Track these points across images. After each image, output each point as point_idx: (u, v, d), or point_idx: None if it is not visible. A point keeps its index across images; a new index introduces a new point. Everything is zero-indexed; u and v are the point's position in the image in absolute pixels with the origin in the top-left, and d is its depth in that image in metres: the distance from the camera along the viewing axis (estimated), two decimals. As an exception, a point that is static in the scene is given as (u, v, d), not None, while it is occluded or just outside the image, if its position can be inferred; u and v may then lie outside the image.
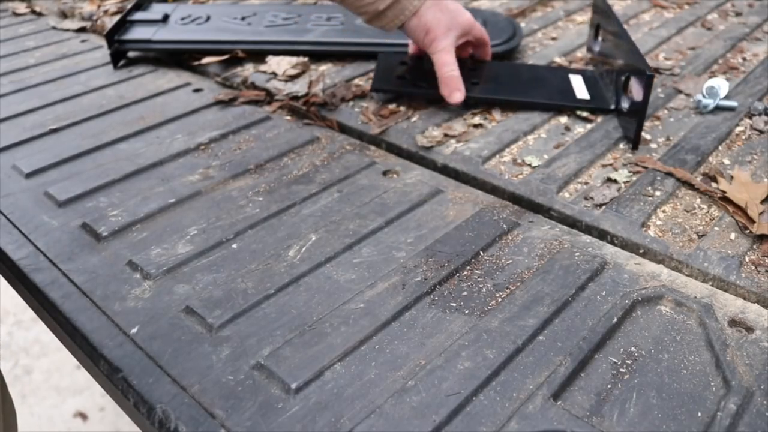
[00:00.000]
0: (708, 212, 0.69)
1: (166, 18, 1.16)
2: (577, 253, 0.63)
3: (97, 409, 1.55)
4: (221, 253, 0.64)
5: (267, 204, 0.72)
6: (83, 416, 1.53)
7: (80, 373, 1.63)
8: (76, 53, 1.18)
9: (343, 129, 0.90)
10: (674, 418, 0.47)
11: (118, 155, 0.83)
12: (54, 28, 1.32)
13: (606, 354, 0.53)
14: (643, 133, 0.85)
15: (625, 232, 0.66)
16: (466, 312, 0.56)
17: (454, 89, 0.87)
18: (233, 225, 0.68)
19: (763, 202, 0.69)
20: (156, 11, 1.18)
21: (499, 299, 0.58)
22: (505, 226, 0.67)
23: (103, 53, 1.17)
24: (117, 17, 1.23)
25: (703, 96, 0.90)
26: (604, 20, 0.97)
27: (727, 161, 0.79)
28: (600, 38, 1.00)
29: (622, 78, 0.84)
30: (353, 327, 0.55)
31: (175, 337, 0.54)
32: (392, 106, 0.94)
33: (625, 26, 1.23)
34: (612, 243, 0.66)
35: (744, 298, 0.58)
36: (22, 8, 1.44)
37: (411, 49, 1.01)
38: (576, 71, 0.98)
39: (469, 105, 0.92)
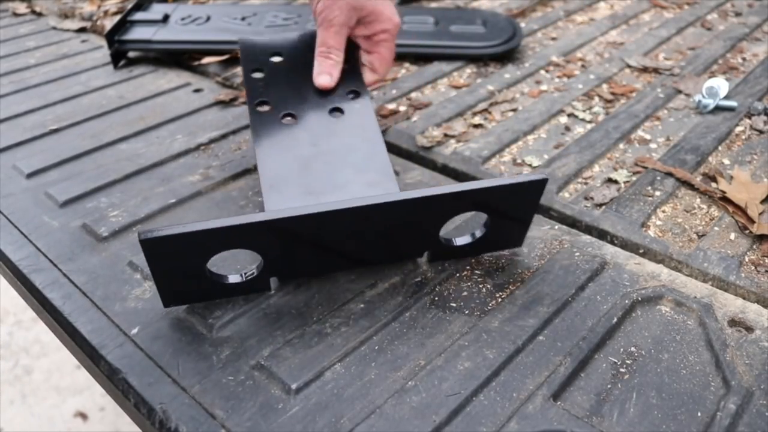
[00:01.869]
0: (708, 212, 0.69)
1: (166, 18, 1.16)
2: (577, 253, 0.63)
3: (97, 409, 1.55)
4: (221, 253, 0.64)
5: (267, 204, 0.72)
6: (83, 416, 1.53)
7: (80, 373, 1.62)
8: (76, 53, 1.18)
9: (343, 129, 0.90)
10: (674, 418, 0.47)
11: (119, 155, 0.83)
12: (54, 28, 1.32)
13: (606, 354, 0.53)
14: (642, 133, 0.85)
15: (625, 232, 0.66)
16: (466, 312, 0.57)
17: (321, 72, 0.72)
18: (233, 225, 0.68)
19: (763, 202, 0.69)
20: (156, 11, 1.18)
21: (499, 299, 0.58)
22: (505, 226, 0.67)
23: (104, 53, 1.17)
24: (117, 17, 1.23)
25: (703, 96, 0.90)
26: None
27: (726, 161, 0.79)
28: None
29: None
30: (353, 327, 0.55)
31: (176, 338, 0.54)
32: (392, 106, 0.94)
33: (625, 26, 1.23)
34: (612, 243, 0.66)
35: (744, 298, 0.59)
36: (22, 8, 1.44)
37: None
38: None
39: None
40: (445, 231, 0.61)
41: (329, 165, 0.66)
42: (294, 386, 0.49)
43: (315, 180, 0.64)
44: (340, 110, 0.71)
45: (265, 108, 0.70)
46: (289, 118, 0.70)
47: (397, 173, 0.78)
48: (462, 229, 0.64)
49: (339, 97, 0.72)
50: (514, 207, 0.59)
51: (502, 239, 0.63)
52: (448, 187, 0.55)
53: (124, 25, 1.13)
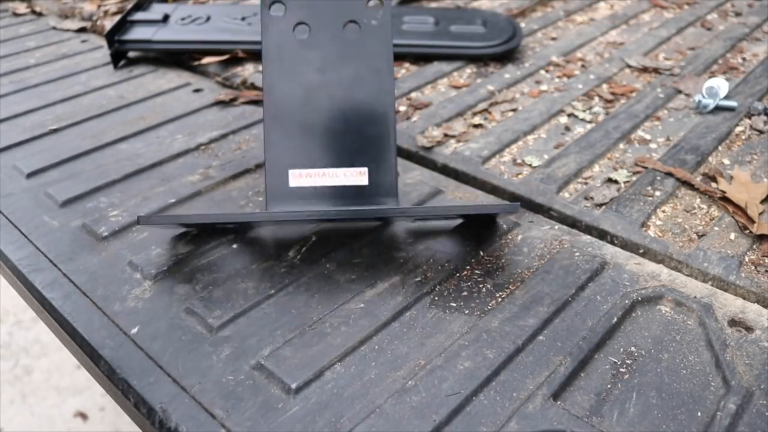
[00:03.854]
0: (708, 212, 0.69)
1: (166, 18, 1.16)
2: (577, 253, 0.63)
3: (97, 409, 1.55)
4: (222, 253, 0.64)
5: (267, 204, 0.72)
6: (83, 416, 1.53)
7: (80, 373, 1.62)
8: (76, 53, 1.18)
9: (343, 129, 0.90)
10: (674, 418, 0.47)
11: (119, 155, 0.83)
12: (54, 28, 1.32)
13: (606, 354, 0.53)
14: (642, 133, 0.85)
15: (625, 232, 0.66)
16: (466, 312, 0.57)
17: None
18: (233, 225, 0.68)
19: (763, 202, 0.69)
20: (156, 11, 1.18)
21: (499, 299, 0.58)
22: (505, 226, 0.67)
23: (104, 53, 1.17)
24: (117, 17, 1.23)
25: (703, 96, 0.90)
26: None
27: (727, 161, 0.79)
28: None
29: None
30: (353, 327, 0.55)
31: (176, 338, 0.54)
32: (392, 106, 0.94)
33: (625, 26, 1.23)
34: (612, 243, 0.66)
35: (744, 298, 0.59)
36: (22, 8, 1.44)
37: None
38: None
39: None
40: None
41: (333, 99, 0.65)
42: (294, 386, 0.49)
43: (316, 116, 0.65)
44: (356, 23, 0.66)
45: (279, 11, 0.66)
46: (302, 27, 0.66)
47: (396, 173, 0.78)
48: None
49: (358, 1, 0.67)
50: (487, 218, 0.66)
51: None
52: (428, 209, 0.63)
53: (124, 25, 1.13)
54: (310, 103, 0.65)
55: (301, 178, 0.65)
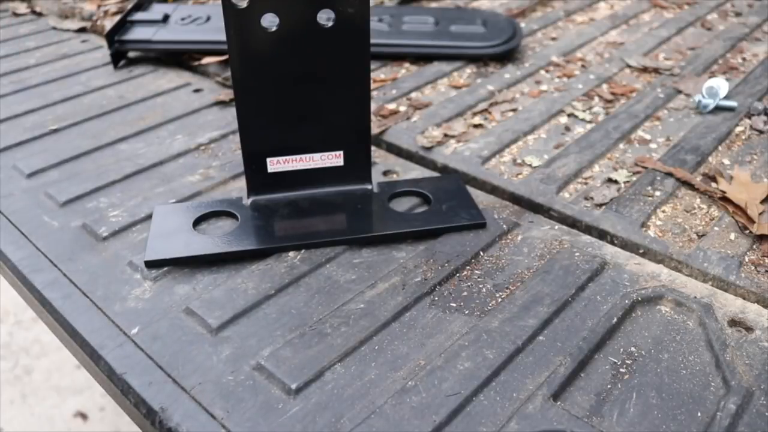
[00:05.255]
0: (708, 212, 0.69)
1: (166, 18, 1.16)
2: (577, 253, 0.63)
3: (97, 409, 1.55)
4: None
5: (267, 204, 0.72)
6: (83, 416, 1.53)
7: (80, 373, 1.62)
8: (76, 53, 1.18)
9: (343, 129, 0.90)
10: (674, 418, 0.47)
11: (119, 155, 0.83)
12: (54, 28, 1.32)
13: (606, 354, 0.53)
14: (642, 133, 0.85)
15: (625, 232, 0.66)
16: (466, 312, 0.57)
17: None
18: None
19: (763, 202, 0.69)
20: (156, 11, 1.18)
21: (499, 299, 0.58)
22: (505, 226, 0.67)
23: (104, 53, 1.17)
24: (117, 17, 1.23)
25: (703, 96, 0.90)
26: None
27: (727, 161, 0.79)
28: None
29: None
30: (353, 327, 0.55)
31: (176, 338, 0.54)
32: (392, 106, 0.94)
33: (625, 26, 1.23)
34: (612, 243, 0.66)
35: (744, 298, 0.59)
36: (22, 8, 1.43)
37: None
38: None
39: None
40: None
41: (307, 89, 0.65)
42: (294, 386, 0.49)
43: (290, 105, 0.65)
44: (331, 15, 0.62)
45: (243, 2, 0.60)
46: (270, 18, 0.61)
47: (396, 173, 0.78)
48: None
49: None
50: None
51: None
52: (407, 228, 0.65)
53: (124, 25, 1.13)
54: (283, 93, 0.64)
55: (278, 164, 0.67)
